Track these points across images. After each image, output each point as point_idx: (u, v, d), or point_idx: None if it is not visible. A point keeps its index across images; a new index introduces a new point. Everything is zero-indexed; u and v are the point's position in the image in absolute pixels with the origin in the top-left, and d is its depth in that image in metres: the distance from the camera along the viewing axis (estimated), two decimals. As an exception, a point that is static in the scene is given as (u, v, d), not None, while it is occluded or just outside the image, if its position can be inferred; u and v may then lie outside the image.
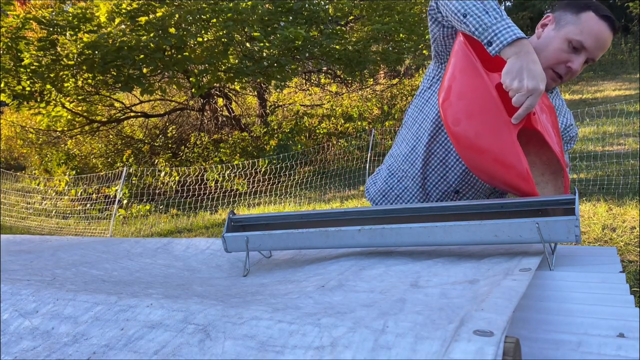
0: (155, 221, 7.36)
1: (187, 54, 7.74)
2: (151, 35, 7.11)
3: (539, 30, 1.44)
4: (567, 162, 1.36)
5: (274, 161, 8.59)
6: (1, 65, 7.26)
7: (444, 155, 1.51)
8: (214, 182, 8.01)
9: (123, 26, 7.38)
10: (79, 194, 8.53)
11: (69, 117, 9.38)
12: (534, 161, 1.28)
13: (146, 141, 11.05)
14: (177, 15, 7.33)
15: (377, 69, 11.16)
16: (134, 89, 8.34)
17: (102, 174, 8.76)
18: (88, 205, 8.21)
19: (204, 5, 7.52)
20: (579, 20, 1.34)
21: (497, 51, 1.16)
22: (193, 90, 8.72)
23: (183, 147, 10.58)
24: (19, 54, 7.34)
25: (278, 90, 11.48)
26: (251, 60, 8.22)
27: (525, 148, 1.22)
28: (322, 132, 10.80)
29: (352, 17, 10.83)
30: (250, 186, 8.11)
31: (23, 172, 10.94)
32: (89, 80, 8.25)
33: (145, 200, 8.17)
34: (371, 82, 12.57)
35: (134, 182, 8.27)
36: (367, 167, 7.52)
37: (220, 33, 7.67)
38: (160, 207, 8.02)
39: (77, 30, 7.37)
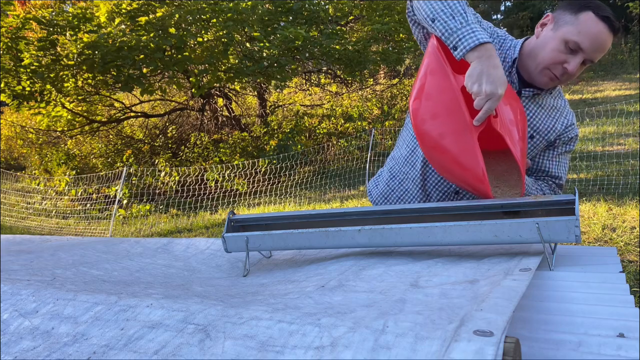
0: (155, 221, 7.36)
1: (187, 54, 7.74)
2: (151, 35, 7.11)
3: (538, 29, 1.43)
4: (528, 162, 1.38)
5: (274, 161, 8.59)
6: (1, 65, 7.26)
7: None
8: (214, 182, 8.01)
9: (123, 26, 7.38)
10: (79, 194, 8.53)
11: (69, 117, 9.38)
12: (497, 162, 1.30)
13: (146, 141, 11.05)
14: (177, 15, 7.33)
15: (377, 69, 11.16)
16: (134, 89, 8.34)
17: (102, 174, 8.76)
18: (88, 205, 8.21)
19: (204, 5, 7.52)
20: (577, 21, 1.32)
21: (461, 56, 1.19)
22: (193, 90, 8.71)
23: (183, 147, 10.58)
24: (19, 54, 7.34)
25: (278, 90, 11.49)
26: (251, 60, 8.21)
27: (489, 150, 1.26)
28: (322, 132, 10.80)
29: (352, 17, 10.83)
30: (250, 186, 8.11)
31: (23, 172, 10.94)
32: (89, 80, 8.25)
33: (145, 200, 8.17)
34: (371, 82, 12.57)
35: (134, 182, 8.27)
36: (367, 167, 7.52)
37: (220, 33, 7.67)
38: (160, 207, 8.02)
39: (77, 30, 7.37)
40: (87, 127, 10.07)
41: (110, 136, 11.11)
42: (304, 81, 12.58)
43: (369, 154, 7.50)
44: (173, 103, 11.27)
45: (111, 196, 7.95)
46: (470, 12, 1.26)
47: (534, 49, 1.40)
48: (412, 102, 1.26)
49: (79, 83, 8.28)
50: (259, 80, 9.23)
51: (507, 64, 1.44)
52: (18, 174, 9.75)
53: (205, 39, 7.85)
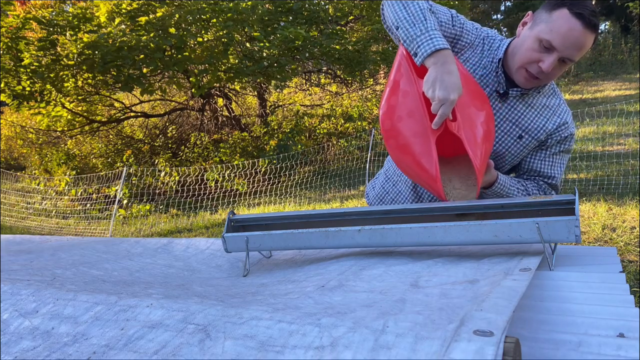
0: (155, 221, 7.36)
1: (187, 54, 7.74)
2: (151, 35, 7.11)
3: (519, 28, 1.42)
4: (490, 163, 1.38)
5: (274, 161, 8.59)
6: (1, 65, 7.26)
7: None
8: (214, 182, 8.01)
9: (123, 26, 7.38)
10: (79, 194, 8.53)
11: (69, 117, 9.38)
12: (466, 165, 1.33)
13: (146, 141, 11.05)
14: (177, 15, 7.33)
15: (377, 69, 11.15)
16: (134, 89, 8.34)
17: (102, 174, 8.76)
18: (88, 205, 8.21)
19: (204, 5, 7.52)
20: (550, 19, 1.31)
21: (420, 62, 1.24)
22: (193, 90, 8.71)
23: (183, 147, 10.58)
24: (19, 54, 7.33)
25: (278, 90, 11.48)
26: (251, 60, 8.21)
27: (461, 153, 1.30)
28: (322, 132, 10.80)
29: (352, 17, 10.83)
30: (250, 186, 8.11)
31: (23, 172, 10.94)
32: (89, 80, 8.24)
33: (145, 200, 8.17)
34: (371, 82, 12.57)
35: (134, 182, 8.27)
36: (367, 167, 7.52)
37: (220, 33, 7.67)
38: (160, 207, 8.02)
39: (77, 30, 7.36)
40: (87, 127, 10.07)
41: (110, 136, 11.11)
42: (304, 81, 12.58)
43: (369, 154, 7.50)
44: (173, 103, 11.27)
45: (111, 196, 7.95)
46: (431, 20, 1.28)
47: (514, 48, 1.40)
48: (381, 105, 1.32)
49: (79, 83, 8.28)
50: (259, 80, 9.23)
51: (494, 64, 1.44)
52: (18, 174, 9.75)
53: (205, 39, 7.85)
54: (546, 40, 1.30)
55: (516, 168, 1.55)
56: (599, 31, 1.35)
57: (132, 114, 10.82)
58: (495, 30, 1.54)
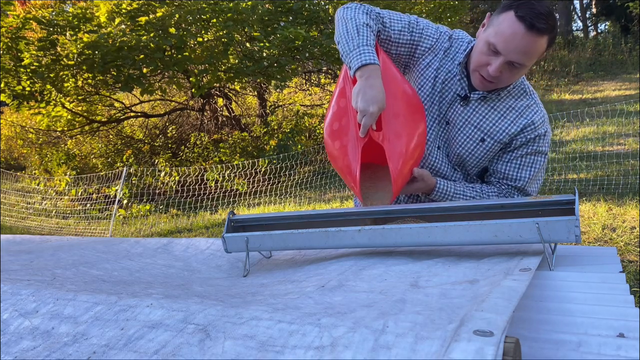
0: (155, 221, 7.36)
1: (187, 54, 7.74)
2: (151, 35, 7.10)
3: (479, 31, 1.42)
4: (423, 172, 1.44)
5: (274, 161, 8.58)
6: (1, 65, 7.26)
7: None
8: (214, 182, 8.01)
9: (123, 26, 7.37)
10: (79, 194, 8.53)
11: (69, 117, 9.37)
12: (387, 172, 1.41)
13: (146, 141, 11.05)
14: (177, 15, 7.33)
15: (377, 69, 11.13)
16: (134, 89, 8.34)
17: (102, 174, 8.75)
18: (88, 205, 8.20)
19: (204, 5, 7.52)
20: (497, 21, 1.30)
21: (352, 75, 1.33)
22: (193, 90, 8.71)
23: (183, 147, 10.57)
24: (19, 54, 7.33)
25: (278, 90, 11.47)
26: (251, 60, 8.21)
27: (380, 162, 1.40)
28: (322, 132, 10.79)
29: (352, 17, 10.81)
30: (250, 186, 8.11)
31: (23, 172, 10.94)
32: (89, 80, 8.24)
33: (145, 200, 8.17)
34: (371, 82, 12.53)
35: (134, 182, 8.27)
36: (367, 167, 7.50)
37: (220, 33, 7.67)
38: (160, 207, 8.02)
39: (77, 30, 7.36)
40: (87, 127, 10.06)
41: (110, 136, 11.10)
42: (304, 81, 12.58)
43: (369, 154, 7.47)
44: (173, 103, 11.26)
45: (111, 196, 7.95)
46: (366, 35, 1.35)
47: (473, 51, 1.41)
48: (326, 114, 1.46)
49: (79, 83, 8.28)
50: (259, 80, 9.22)
51: (458, 67, 1.45)
52: (18, 174, 9.74)
53: (205, 39, 7.84)
54: (492, 44, 1.30)
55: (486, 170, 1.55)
56: (553, 34, 1.29)
57: (132, 114, 10.82)
58: (465, 33, 1.53)
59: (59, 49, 7.30)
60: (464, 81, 1.45)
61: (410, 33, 1.47)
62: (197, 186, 7.98)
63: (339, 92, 1.41)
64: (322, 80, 12.83)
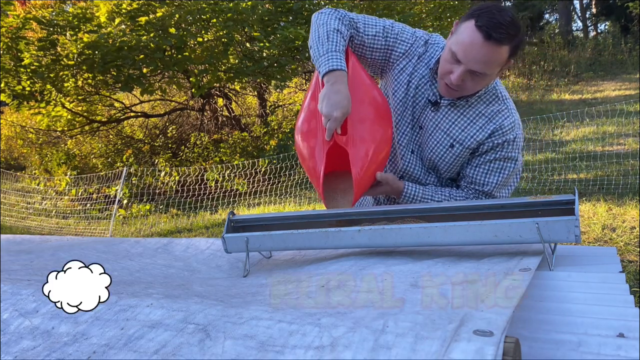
0: (155, 221, 7.36)
1: (187, 54, 7.73)
2: (151, 35, 7.10)
3: (448, 37, 1.43)
4: (389, 177, 1.46)
5: (274, 161, 8.58)
6: (1, 65, 7.26)
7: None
8: (214, 182, 8.00)
9: (123, 26, 7.37)
10: (79, 194, 8.53)
11: (69, 117, 9.36)
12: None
13: (146, 141, 11.04)
14: (177, 15, 7.32)
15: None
16: (134, 89, 8.33)
17: (102, 174, 8.75)
18: (88, 205, 8.20)
19: (204, 5, 7.52)
20: (459, 30, 1.31)
21: (321, 80, 1.35)
22: (193, 90, 8.71)
23: (183, 147, 10.57)
24: (19, 54, 7.33)
25: (278, 90, 11.47)
26: (251, 60, 8.20)
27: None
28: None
29: (352, 17, 10.81)
30: (250, 186, 8.11)
31: (23, 172, 10.94)
32: (89, 80, 8.24)
33: (145, 200, 8.17)
34: (371, 82, 12.54)
35: (134, 182, 8.27)
36: (367, 167, 7.49)
37: (220, 33, 7.66)
38: (160, 207, 8.02)
39: (77, 30, 7.35)
40: (87, 127, 10.06)
41: (110, 136, 11.10)
42: (304, 81, 12.57)
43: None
44: (173, 103, 11.26)
45: (111, 196, 7.95)
46: (336, 41, 1.37)
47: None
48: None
49: (79, 83, 8.27)
50: (259, 80, 9.22)
51: (429, 73, 1.46)
52: (18, 174, 9.74)
53: (205, 39, 7.84)
54: (454, 52, 1.31)
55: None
56: (514, 44, 1.27)
57: (132, 114, 10.82)
58: (442, 38, 1.53)
59: (59, 49, 7.30)
60: (435, 87, 1.46)
61: (384, 38, 1.48)
62: (197, 186, 7.98)
63: (311, 94, 1.45)
64: (322, 80, 12.82)
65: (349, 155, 1.33)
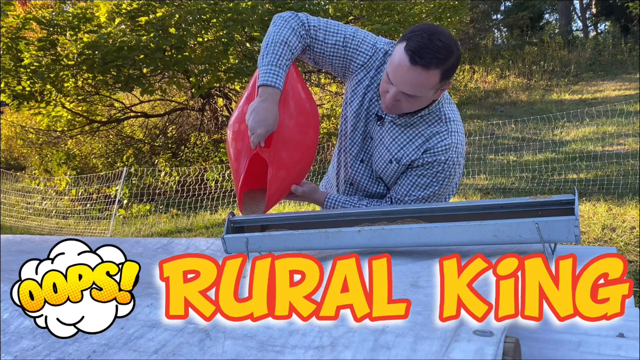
0: (155, 221, 7.36)
1: (187, 54, 7.73)
2: (151, 35, 7.10)
3: None
4: (311, 188, 1.56)
5: (274, 161, 8.58)
6: (1, 65, 7.26)
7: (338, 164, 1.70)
8: (214, 182, 8.01)
9: (123, 26, 7.37)
10: (79, 194, 8.53)
11: (69, 117, 9.37)
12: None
13: (146, 141, 11.04)
14: (177, 15, 7.33)
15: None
16: (134, 89, 8.33)
17: (102, 174, 8.75)
18: (88, 205, 8.20)
19: (204, 5, 7.52)
20: (394, 51, 1.31)
21: (257, 88, 1.38)
22: (193, 90, 8.71)
23: (183, 147, 10.57)
24: (19, 54, 7.33)
25: (278, 90, 11.45)
26: (251, 60, 8.20)
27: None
28: (322, 132, 10.80)
29: (352, 17, 10.82)
30: (250, 186, 8.10)
31: (23, 172, 10.94)
32: (89, 80, 8.24)
33: (145, 200, 8.17)
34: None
35: (134, 182, 8.27)
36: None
37: (220, 33, 7.66)
38: (160, 207, 8.02)
39: (77, 30, 7.36)
40: (87, 127, 10.06)
41: (110, 136, 11.10)
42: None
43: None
44: (173, 103, 11.26)
45: (111, 196, 7.95)
46: (280, 53, 1.37)
47: None
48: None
49: (79, 83, 8.27)
50: (259, 80, 9.20)
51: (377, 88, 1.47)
52: (18, 174, 9.74)
53: (205, 39, 7.84)
54: (387, 73, 1.32)
55: None
56: (445, 68, 1.27)
57: (132, 114, 10.81)
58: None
59: (59, 49, 7.30)
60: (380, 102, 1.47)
61: (344, 48, 1.48)
62: (197, 186, 7.98)
63: (247, 96, 1.47)
64: (322, 80, 12.84)
65: (269, 167, 1.39)
